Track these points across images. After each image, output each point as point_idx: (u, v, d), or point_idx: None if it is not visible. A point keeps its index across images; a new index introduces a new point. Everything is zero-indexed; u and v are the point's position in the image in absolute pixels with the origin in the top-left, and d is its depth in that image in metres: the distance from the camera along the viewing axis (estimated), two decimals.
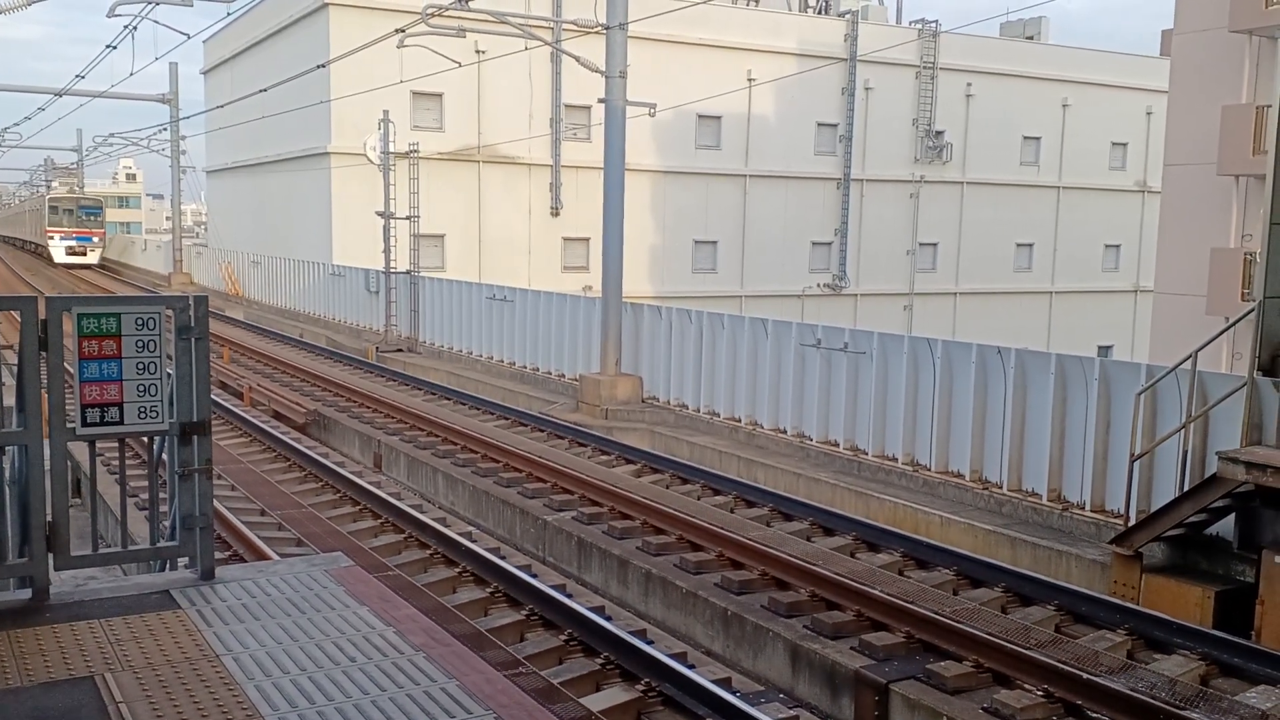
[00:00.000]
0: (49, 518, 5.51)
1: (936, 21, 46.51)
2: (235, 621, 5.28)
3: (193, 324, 5.74)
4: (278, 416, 19.34)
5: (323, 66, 29.69)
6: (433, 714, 4.36)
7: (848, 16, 45.09)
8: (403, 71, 31.21)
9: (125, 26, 25.48)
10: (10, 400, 6.29)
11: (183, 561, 6.25)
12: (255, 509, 13.46)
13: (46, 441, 5.55)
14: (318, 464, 15.42)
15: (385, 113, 29.55)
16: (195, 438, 5.75)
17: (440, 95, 37.01)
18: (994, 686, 8.06)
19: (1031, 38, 51.14)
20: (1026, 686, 7.92)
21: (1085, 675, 7.89)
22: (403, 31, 21.23)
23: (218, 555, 6.35)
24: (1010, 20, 52.30)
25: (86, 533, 7.49)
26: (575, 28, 21.83)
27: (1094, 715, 7.58)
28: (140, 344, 5.60)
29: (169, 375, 5.73)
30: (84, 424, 5.57)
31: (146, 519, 10.28)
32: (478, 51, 34.31)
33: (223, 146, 50.79)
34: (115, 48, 26.63)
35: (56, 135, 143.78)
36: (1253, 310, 10.63)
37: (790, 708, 8.42)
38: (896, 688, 8.05)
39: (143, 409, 5.62)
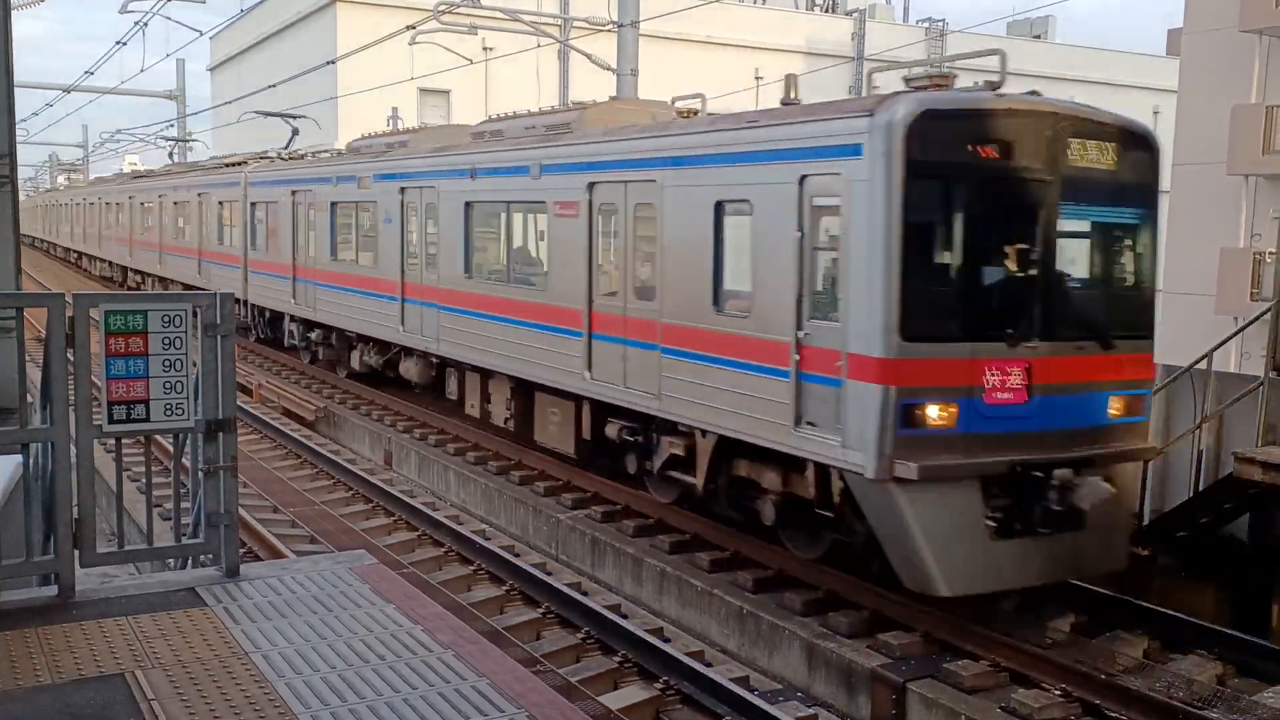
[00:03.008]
0: (75, 515, 5.52)
1: (944, 20, 46.47)
2: (262, 619, 5.29)
3: (218, 321, 5.75)
4: (287, 414, 19.36)
5: (331, 63, 29.68)
6: (465, 713, 4.37)
7: (855, 15, 45.04)
8: (411, 68, 31.21)
9: (136, 23, 25.52)
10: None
11: (205, 559, 6.26)
12: (268, 506, 13.48)
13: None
14: (329, 461, 15.45)
15: (394, 110, 29.54)
16: (220, 435, 5.76)
17: (448, 92, 37.02)
18: (1012, 686, 8.05)
19: (1039, 37, 51.05)
20: (1044, 686, 7.91)
21: (1103, 675, 7.89)
22: (414, 29, 21.23)
23: None
24: (1017, 19, 52.19)
25: (100, 530, 7.49)
26: (585, 25, 21.83)
27: (1112, 715, 7.58)
28: (166, 341, 5.61)
29: (194, 373, 5.74)
30: (110, 421, 5.58)
31: (162, 518, 10.30)
32: (485, 49, 34.31)
33: (230, 142, 50.80)
34: (125, 44, 26.70)
35: (62, 132, 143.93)
36: (1267, 310, 10.62)
37: (809, 706, 8.42)
38: (914, 687, 8.05)
39: (169, 406, 5.63)
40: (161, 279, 31.53)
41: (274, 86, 33.14)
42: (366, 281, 17.91)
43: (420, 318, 16.00)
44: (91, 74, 42.02)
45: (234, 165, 26.56)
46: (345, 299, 18.81)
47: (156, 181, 34.00)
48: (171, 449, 7.15)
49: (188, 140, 42.82)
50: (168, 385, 5.65)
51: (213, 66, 54.23)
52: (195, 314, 5.71)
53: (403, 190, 16.48)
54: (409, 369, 17.15)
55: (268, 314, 23.86)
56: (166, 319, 5.65)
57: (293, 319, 21.83)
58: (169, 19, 26.98)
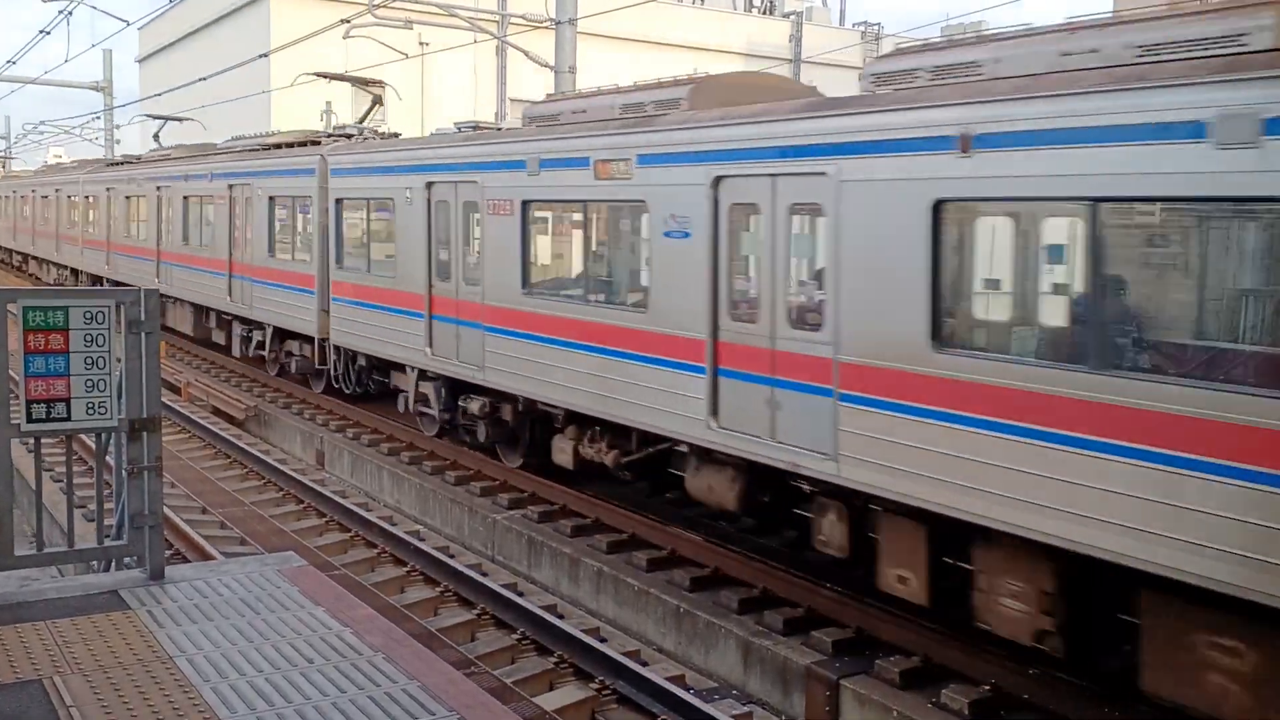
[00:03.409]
0: None
1: (879, 24, 47.01)
2: (188, 622, 5.18)
3: (143, 318, 5.63)
4: (217, 412, 19.01)
5: (264, 56, 29.24)
6: (395, 715, 4.31)
7: (792, 17, 45.39)
8: (346, 63, 30.83)
9: (60, 11, 24.88)
10: None
11: (129, 561, 6.12)
12: (196, 507, 13.23)
13: None
14: (259, 461, 15.19)
15: (328, 104, 29.19)
16: (145, 434, 5.64)
17: (383, 87, 36.61)
18: (944, 681, 8.12)
19: None
20: (975, 680, 8.01)
21: (1032, 669, 8.01)
22: (348, 22, 20.97)
23: None
24: (950, 24, 52.93)
25: (20, 532, 7.29)
26: (523, 22, 21.73)
27: (1042, 708, 7.69)
28: (89, 338, 5.48)
29: (118, 370, 5.60)
30: (29, 419, 5.43)
31: (86, 519, 10.06)
32: (422, 44, 34.00)
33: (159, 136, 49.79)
34: (49, 33, 25.99)
35: None
36: None
37: (744, 704, 8.46)
38: (847, 683, 8.11)
39: (91, 405, 5.50)
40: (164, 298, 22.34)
41: (204, 79, 32.51)
42: (605, 333, 10.68)
43: (771, 405, 8.92)
44: (14, 63, 40.81)
45: (295, 145, 19.37)
46: (554, 357, 11.35)
47: (151, 169, 26.07)
48: (94, 447, 6.98)
49: (184, 119, 35.75)
50: (90, 383, 5.52)
51: (142, 58, 53.07)
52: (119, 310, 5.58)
53: (718, 181, 9.37)
54: (715, 487, 10.03)
55: (360, 360, 16.55)
56: (89, 315, 5.51)
57: (426, 376, 14.44)
58: (94, 8, 26.30)
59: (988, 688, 7.85)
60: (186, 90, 36.73)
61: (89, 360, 5.50)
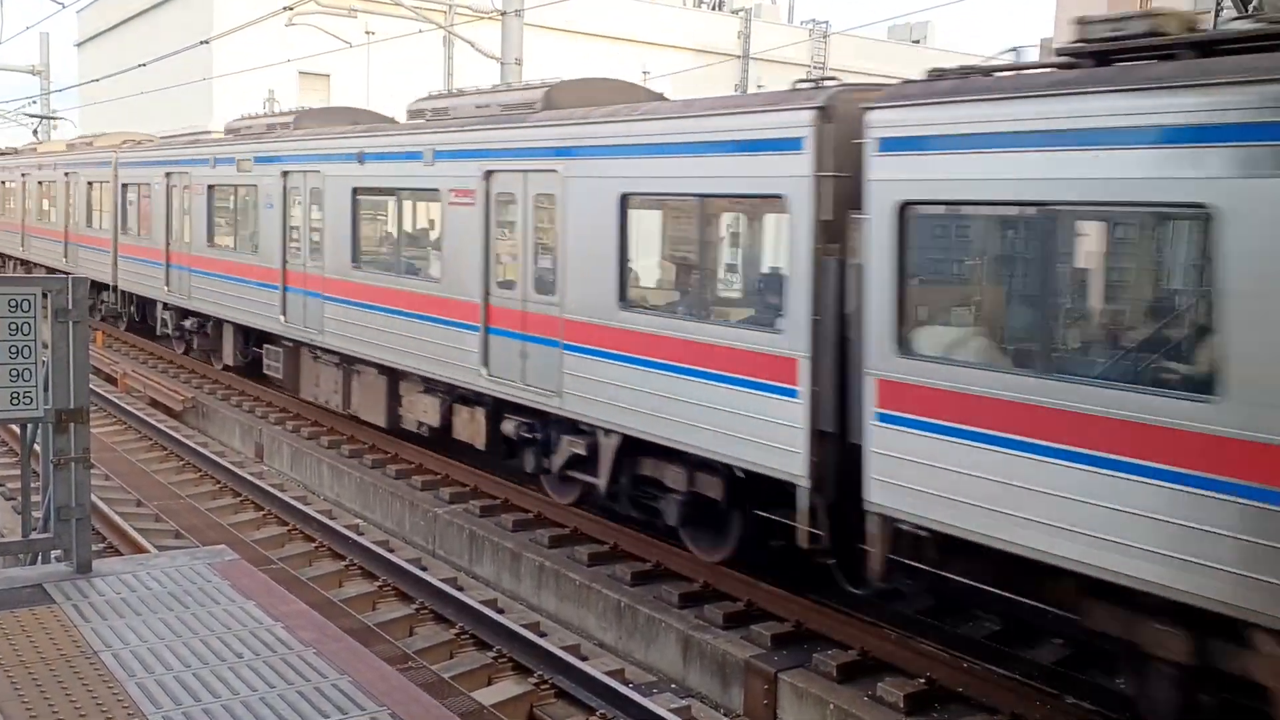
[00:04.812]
0: None
1: (827, 23, 47.30)
2: (115, 616, 5.08)
3: (71, 306, 5.51)
4: (154, 404, 18.68)
5: (206, 43, 28.75)
6: (325, 711, 4.27)
7: (741, 14, 45.55)
8: (290, 50, 30.41)
9: None
10: None
11: (56, 554, 5.99)
12: (131, 499, 13.00)
13: None
14: (196, 453, 14.95)
15: (270, 92, 28.78)
16: (72, 425, 5.52)
17: (328, 76, 36.19)
18: (879, 674, 8.19)
19: (918, 41, 52.38)
20: (910, 673, 8.09)
21: (965, 662, 8.13)
22: (291, 10, 20.69)
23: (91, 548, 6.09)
24: (897, 24, 53.43)
25: None
26: (470, 12, 21.58)
27: (974, 700, 7.80)
28: (14, 327, 5.36)
29: (44, 360, 5.48)
30: None
31: (15, 511, 9.84)
32: (367, 33, 33.63)
33: (98, 122, 48.73)
34: None
35: None
36: None
37: (683, 697, 8.48)
38: (785, 677, 8.17)
39: (15, 394, 5.38)
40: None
41: (144, 65, 31.88)
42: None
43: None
44: None
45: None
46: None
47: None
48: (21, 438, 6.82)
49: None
50: (14, 373, 5.40)
51: (80, 42, 51.95)
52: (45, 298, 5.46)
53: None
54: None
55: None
56: (14, 304, 5.39)
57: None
58: None
59: (923, 681, 7.94)
60: (127, 75, 36.04)
61: (14, 349, 5.38)
